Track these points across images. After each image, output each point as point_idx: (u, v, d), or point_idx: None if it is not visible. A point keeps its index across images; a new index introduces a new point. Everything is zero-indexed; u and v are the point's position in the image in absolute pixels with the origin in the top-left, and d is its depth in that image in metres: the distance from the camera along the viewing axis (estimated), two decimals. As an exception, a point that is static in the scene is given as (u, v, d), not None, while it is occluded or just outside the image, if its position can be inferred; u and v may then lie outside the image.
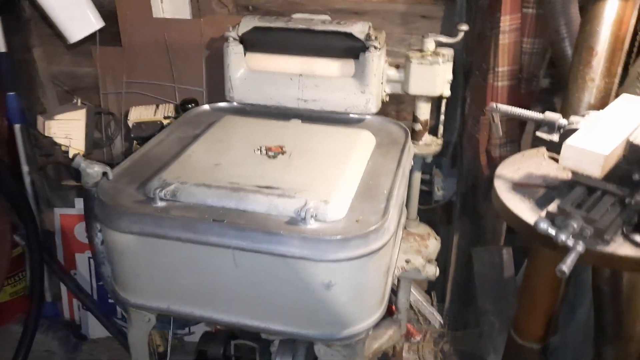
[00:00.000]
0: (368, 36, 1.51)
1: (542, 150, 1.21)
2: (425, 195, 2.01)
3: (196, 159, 1.33)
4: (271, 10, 1.93)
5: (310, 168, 1.28)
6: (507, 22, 1.49)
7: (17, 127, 2.00)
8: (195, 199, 1.17)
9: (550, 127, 1.01)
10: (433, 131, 1.71)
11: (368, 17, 1.91)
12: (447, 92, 1.58)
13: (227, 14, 1.93)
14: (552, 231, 0.85)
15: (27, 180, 2.09)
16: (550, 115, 1.03)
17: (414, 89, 1.56)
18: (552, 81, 1.70)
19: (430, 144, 1.67)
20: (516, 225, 1.01)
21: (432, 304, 2.25)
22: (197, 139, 1.43)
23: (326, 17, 1.62)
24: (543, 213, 0.94)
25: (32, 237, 2.05)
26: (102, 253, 1.30)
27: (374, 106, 1.57)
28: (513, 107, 1.08)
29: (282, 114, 1.62)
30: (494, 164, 1.69)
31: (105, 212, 1.17)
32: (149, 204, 1.16)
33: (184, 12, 1.92)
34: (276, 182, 1.21)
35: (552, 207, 0.92)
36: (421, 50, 1.55)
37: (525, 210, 1.00)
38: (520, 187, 1.07)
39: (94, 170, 1.22)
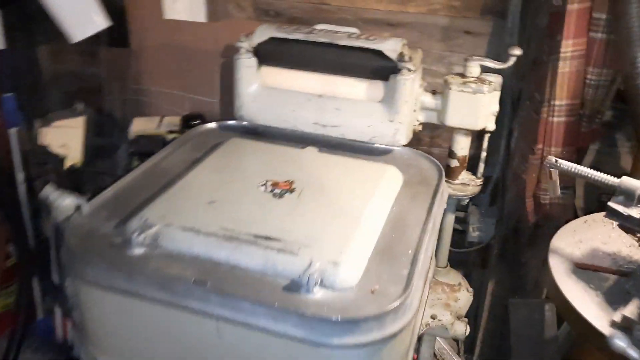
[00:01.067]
0: (401, 56, 1.30)
1: (609, 213, 0.98)
2: (459, 235, 1.79)
3: (189, 193, 1.14)
4: (295, 17, 1.73)
5: (321, 214, 1.08)
6: (570, 47, 1.25)
7: (12, 131, 1.86)
8: (180, 246, 0.99)
9: (628, 196, 0.79)
10: (471, 167, 1.49)
11: (404, 30, 1.69)
12: (491, 126, 1.36)
13: (245, 18, 1.74)
14: (634, 354, 0.62)
15: (21, 188, 1.95)
16: (628, 182, 0.80)
17: (452, 120, 1.34)
18: (616, 114, 1.46)
19: (467, 184, 1.44)
20: (577, 325, 0.79)
21: (458, 354, 2.02)
22: (195, 166, 1.25)
23: (354, 30, 1.41)
24: (617, 316, 0.72)
25: (21, 249, 1.91)
26: (72, 297, 1.12)
27: (404, 137, 1.36)
28: (577, 166, 0.86)
29: (298, 138, 1.42)
30: (542, 212, 1.45)
31: (70, 257, 0.99)
32: (125, 250, 0.98)
33: (199, 14, 1.74)
34: (278, 231, 1.01)
35: (630, 310, 0.70)
36: (463, 75, 1.33)
37: (591, 308, 0.77)
38: (583, 269, 0.85)
39: (65, 204, 1.04)
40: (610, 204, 0.81)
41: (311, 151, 1.37)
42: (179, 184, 1.17)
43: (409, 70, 1.30)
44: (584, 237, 0.94)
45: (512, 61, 1.27)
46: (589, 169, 0.86)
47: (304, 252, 0.95)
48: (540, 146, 1.38)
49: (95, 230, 1.04)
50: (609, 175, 0.85)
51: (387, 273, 0.96)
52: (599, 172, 0.86)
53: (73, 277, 0.99)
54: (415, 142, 1.50)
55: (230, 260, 0.96)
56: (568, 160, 1.38)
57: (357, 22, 1.71)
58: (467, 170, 1.46)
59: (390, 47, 1.32)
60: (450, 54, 1.70)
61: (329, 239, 1.00)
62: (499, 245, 1.75)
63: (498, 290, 1.79)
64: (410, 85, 1.31)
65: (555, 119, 1.32)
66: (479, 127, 1.33)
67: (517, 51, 1.26)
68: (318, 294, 0.90)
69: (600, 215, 1.03)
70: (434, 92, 1.38)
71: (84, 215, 1.06)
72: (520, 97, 1.56)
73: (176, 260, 0.97)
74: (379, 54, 1.33)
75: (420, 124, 1.42)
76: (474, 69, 1.31)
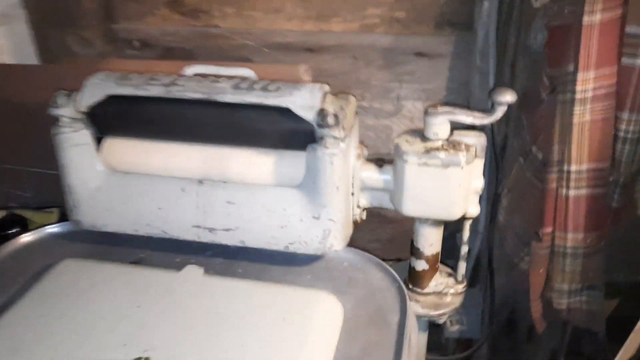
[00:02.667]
0: (322, 115, 0.80)
1: None
2: (432, 330, 1.31)
3: None
4: (172, 48, 1.21)
5: None
6: (591, 83, 0.78)
7: None
8: None
9: None
10: (447, 260, 1.00)
11: (329, 56, 1.20)
12: (474, 210, 0.87)
13: (95, 55, 1.20)
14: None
15: None
16: None
17: (411, 207, 0.85)
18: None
19: (444, 294, 0.95)
20: None
21: None
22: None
23: (247, 73, 0.90)
24: None
25: None
26: None
27: (338, 241, 0.86)
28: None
29: (172, 249, 0.90)
30: (556, 319, 0.99)
31: None
32: None
33: (27, 54, 1.19)
34: None
35: None
36: (424, 137, 0.84)
37: None
38: None
39: None
40: None
41: (192, 274, 0.85)
42: None
43: (336, 138, 0.80)
44: None
45: (500, 112, 0.79)
46: None
47: None
48: (549, 230, 0.91)
49: None
50: None
51: None
52: None
53: None
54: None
55: None
56: (596, 255, 0.92)
57: (261, 50, 1.20)
58: (444, 273, 0.97)
59: (303, 101, 0.81)
60: (399, 85, 1.22)
61: None
62: (488, 342, 1.29)
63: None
64: (341, 162, 0.81)
65: (573, 192, 0.86)
66: (454, 216, 0.85)
67: (509, 97, 0.77)
68: None
69: None
70: (380, 164, 0.88)
71: None
72: (506, 146, 1.09)
73: None
74: (287, 111, 0.82)
75: (365, 209, 0.92)
76: (440, 127, 0.82)
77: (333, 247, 0.86)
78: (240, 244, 0.89)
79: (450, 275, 0.98)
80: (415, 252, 0.93)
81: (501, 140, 1.08)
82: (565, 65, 0.82)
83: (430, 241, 0.91)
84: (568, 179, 0.85)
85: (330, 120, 0.79)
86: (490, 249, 1.18)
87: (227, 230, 0.88)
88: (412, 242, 0.93)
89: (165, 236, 0.91)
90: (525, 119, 0.99)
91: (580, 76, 0.79)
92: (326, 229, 0.85)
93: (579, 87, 0.80)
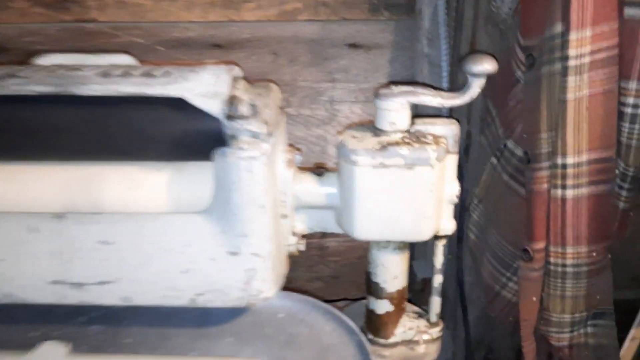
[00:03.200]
0: (231, 104, 0.55)
1: None
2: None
3: None
4: (36, 51, 0.92)
5: None
6: (588, 44, 0.60)
7: None
8: None
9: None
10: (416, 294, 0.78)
11: (242, 52, 0.96)
12: (448, 226, 0.65)
13: None
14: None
15: None
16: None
17: (366, 226, 0.61)
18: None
19: (415, 342, 0.72)
20: None
21: None
22: None
23: (124, 60, 0.64)
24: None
25: None
26: None
27: (268, 283, 0.60)
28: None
29: (25, 319, 0.62)
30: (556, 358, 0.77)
31: None
32: None
33: None
34: None
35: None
36: (376, 129, 0.61)
37: None
38: None
39: None
40: None
41: (49, 356, 0.56)
42: None
43: (255, 136, 0.56)
44: None
45: (476, 87, 0.58)
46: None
47: None
48: (540, 245, 0.70)
49: None
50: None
51: None
52: None
53: None
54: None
55: None
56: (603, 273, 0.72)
57: (153, 49, 0.95)
58: (412, 314, 0.74)
59: (203, 88, 0.57)
60: (332, 86, 1.00)
61: None
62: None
63: None
64: (264, 170, 0.56)
65: (571, 192, 0.66)
66: (425, 235, 0.62)
67: (487, 64, 0.57)
68: None
69: None
70: (319, 172, 0.64)
71: None
72: (470, 147, 0.89)
73: None
74: (181, 104, 0.57)
75: (303, 237, 0.68)
76: (398, 114, 0.60)
77: (261, 293, 0.60)
78: (124, 303, 0.62)
79: (420, 316, 0.74)
80: (374, 289, 0.69)
81: (463, 140, 0.88)
82: (548, 29, 0.63)
83: (394, 273, 0.67)
84: (564, 176, 0.66)
85: (245, 109, 0.55)
86: (460, 275, 0.97)
87: (103, 283, 0.60)
88: (367, 276, 0.70)
89: (11, 301, 0.62)
90: (493, 108, 0.79)
91: (573, 36, 0.60)
92: (250, 268, 0.59)
93: (572, 52, 0.61)
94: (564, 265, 0.69)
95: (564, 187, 0.66)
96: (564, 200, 0.66)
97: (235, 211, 0.57)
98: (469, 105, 0.85)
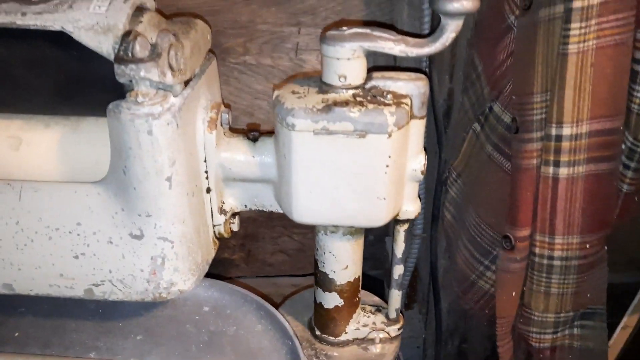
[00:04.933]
0: (125, 41, 0.43)
1: None
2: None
3: None
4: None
5: None
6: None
7: None
8: None
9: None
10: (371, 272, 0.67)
11: (191, -14, 0.82)
12: (411, 209, 0.54)
13: None
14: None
15: None
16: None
17: (306, 208, 0.50)
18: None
19: (369, 342, 0.62)
20: None
21: None
22: None
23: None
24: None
25: None
26: None
27: (182, 273, 0.49)
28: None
29: None
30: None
31: None
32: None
33: None
34: None
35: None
36: (323, 86, 0.49)
37: None
38: None
39: None
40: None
41: None
42: None
43: (157, 87, 0.43)
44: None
45: (451, 32, 0.45)
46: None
47: None
48: (525, 232, 0.59)
49: None
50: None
51: None
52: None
53: None
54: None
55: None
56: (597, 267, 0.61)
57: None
58: (374, 313, 0.63)
59: (90, 18, 0.44)
60: (297, 31, 0.86)
61: None
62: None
63: None
64: (170, 132, 0.44)
65: (565, 171, 0.54)
66: (379, 221, 0.51)
67: (467, 1, 0.44)
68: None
69: None
70: (253, 136, 0.52)
71: None
72: (451, 108, 0.76)
73: None
74: (70, 41, 0.45)
75: (236, 214, 0.57)
76: (350, 64, 0.47)
77: (173, 286, 0.49)
78: (7, 291, 0.51)
79: (378, 310, 0.64)
80: (321, 280, 0.58)
81: (444, 100, 0.75)
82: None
83: (345, 262, 0.56)
84: (558, 150, 0.54)
85: (140, 49, 0.42)
86: (433, 258, 0.86)
87: (-26, 267, 0.49)
88: (315, 264, 0.59)
89: None
90: (480, 61, 0.66)
91: None
92: (157, 255, 0.48)
93: (575, 4, 0.48)
94: (550, 258, 0.58)
95: (556, 163, 0.54)
96: (555, 179, 0.55)
97: (134, 184, 0.45)
98: (452, 57, 0.72)
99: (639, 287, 0.88)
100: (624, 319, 0.91)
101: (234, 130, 0.55)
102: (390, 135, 0.46)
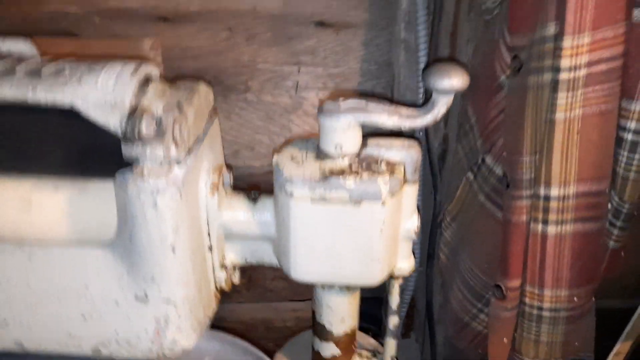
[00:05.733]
0: (131, 120, 0.45)
1: None
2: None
3: None
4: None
5: None
6: (586, 53, 0.49)
7: None
8: None
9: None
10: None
11: (195, 27, 0.85)
12: (405, 266, 0.56)
13: None
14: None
15: None
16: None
17: (304, 268, 0.52)
18: None
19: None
20: None
21: None
22: None
23: (20, 48, 0.54)
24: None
25: None
26: None
27: (185, 331, 0.52)
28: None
29: None
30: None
31: None
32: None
33: None
34: None
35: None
36: (320, 153, 0.51)
37: None
38: None
39: None
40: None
41: None
42: None
43: (162, 161, 0.46)
44: None
45: (442, 106, 0.48)
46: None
47: None
48: (515, 283, 0.61)
49: None
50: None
51: None
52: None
53: None
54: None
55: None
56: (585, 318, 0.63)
57: (90, 19, 0.83)
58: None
59: (98, 94, 0.46)
60: (296, 69, 0.89)
61: None
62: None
63: None
64: (175, 203, 0.47)
65: (554, 229, 0.56)
66: (374, 281, 0.53)
67: (457, 80, 0.46)
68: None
69: None
70: (254, 196, 0.55)
71: None
72: (446, 152, 0.79)
73: None
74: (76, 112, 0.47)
75: (235, 269, 0.59)
76: (345, 135, 0.49)
77: (177, 345, 0.52)
78: (18, 349, 0.53)
79: (374, 356, 0.66)
80: (319, 330, 0.61)
81: (439, 144, 0.77)
82: (539, 28, 0.52)
83: (341, 315, 0.59)
84: (546, 209, 0.56)
85: (146, 127, 0.45)
86: (429, 296, 0.88)
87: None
88: (312, 314, 0.61)
89: None
90: (473, 114, 0.69)
91: (568, 42, 0.49)
92: (161, 316, 0.51)
93: (566, 62, 0.50)
94: (540, 309, 0.61)
95: (545, 222, 0.56)
96: (544, 237, 0.57)
97: (139, 250, 0.48)
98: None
99: (632, 314, 0.91)
100: (617, 346, 0.93)
101: (235, 187, 0.57)
102: (384, 203, 0.48)
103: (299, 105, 0.92)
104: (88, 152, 0.51)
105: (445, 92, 0.46)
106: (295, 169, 0.49)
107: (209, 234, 0.54)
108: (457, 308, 0.73)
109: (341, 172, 0.49)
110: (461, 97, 0.69)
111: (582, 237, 0.56)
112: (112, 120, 0.46)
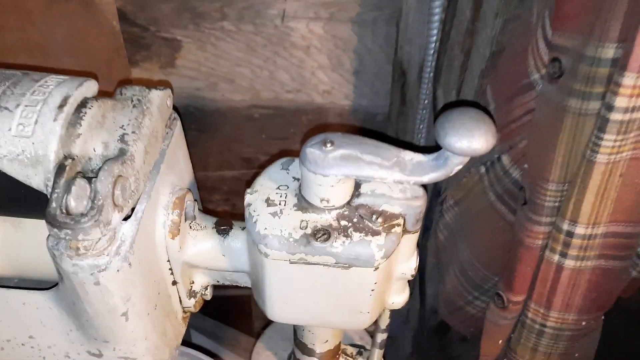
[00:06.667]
0: (55, 203, 0.35)
1: None
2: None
3: None
4: None
5: None
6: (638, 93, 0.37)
7: None
8: None
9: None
10: None
11: None
12: (398, 300, 0.50)
13: None
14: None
15: None
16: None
17: (281, 316, 0.46)
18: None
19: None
20: None
21: None
22: None
23: None
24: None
25: None
26: None
27: (151, 378, 0.47)
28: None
29: None
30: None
31: None
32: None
33: None
34: None
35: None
36: (304, 200, 0.42)
37: None
38: None
39: None
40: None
41: None
42: None
43: (102, 234, 0.37)
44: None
45: (454, 165, 0.37)
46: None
47: None
48: (519, 299, 0.56)
49: None
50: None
51: None
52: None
53: None
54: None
55: None
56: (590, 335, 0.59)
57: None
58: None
59: (11, 144, 0.35)
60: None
61: None
62: (412, 341, 1.02)
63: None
64: (122, 275, 0.39)
65: (573, 263, 0.49)
66: (361, 327, 0.47)
67: (478, 142, 0.35)
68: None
69: None
70: (223, 229, 0.46)
71: None
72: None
73: None
74: None
75: (208, 287, 0.53)
76: (331, 191, 0.40)
77: (141, 390, 0.47)
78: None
79: (359, 353, 0.63)
80: (301, 347, 0.56)
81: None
82: (594, 40, 0.39)
83: (324, 338, 0.54)
84: (567, 244, 0.48)
85: (75, 203, 0.35)
86: (421, 257, 0.83)
87: None
88: (294, 330, 0.56)
89: None
90: (493, 99, 0.57)
91: (630, 80, 0.36)
92: (118, 370, 0.45)
93: (622, 102, 0.37)
94: (543, 325, 0.56)
95: (563, 254, 0.49)
96: (560, 267, 0.50)
97: (86, 318, 0.41)
98: (462, 73, 0.61)
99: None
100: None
101: (204, 211, 0.49)
102: (376, 268, 0.41)
103: (286, 37, 0.78)
104: (19, 193, 0.41)
105: (460, 153, 0.36)
106: (270, 223, 0.41)
107: (171, 271, 0.47)
108: (452, 292, 0.69)
109: (326, 232, 0.40)
110: (480, 76, 0.57)
111: (602, 272, 0.50)
112: (34, 180, 0.36)
